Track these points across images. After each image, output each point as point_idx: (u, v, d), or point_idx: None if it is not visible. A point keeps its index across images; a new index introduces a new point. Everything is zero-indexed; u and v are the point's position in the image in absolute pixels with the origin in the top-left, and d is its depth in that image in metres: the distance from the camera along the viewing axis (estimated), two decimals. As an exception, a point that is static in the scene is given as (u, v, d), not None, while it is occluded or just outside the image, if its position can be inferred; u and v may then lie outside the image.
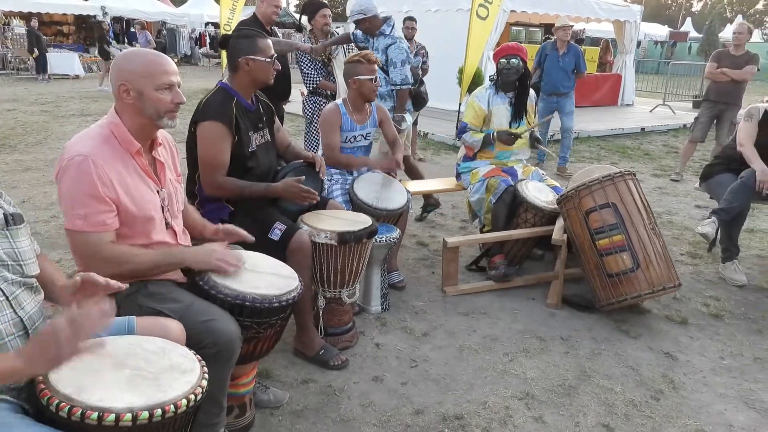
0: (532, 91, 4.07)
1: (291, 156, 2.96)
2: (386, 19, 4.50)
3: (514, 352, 2.88)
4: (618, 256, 3.11)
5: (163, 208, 2.00)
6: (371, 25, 4.45)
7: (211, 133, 2.51)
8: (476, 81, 8.13)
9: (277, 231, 2.53)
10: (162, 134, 2.11)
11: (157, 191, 1.98)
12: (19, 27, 18.03)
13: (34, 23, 16.47)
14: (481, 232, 4.06)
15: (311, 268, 2.62)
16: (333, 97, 4.81)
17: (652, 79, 16.81)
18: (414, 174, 4.63)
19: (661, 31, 31.36)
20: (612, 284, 3.13)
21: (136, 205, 1.87)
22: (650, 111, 12.21)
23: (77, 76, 17.26)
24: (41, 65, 15.94)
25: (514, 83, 3.89)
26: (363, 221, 2.72)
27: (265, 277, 2.01)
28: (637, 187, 3.26)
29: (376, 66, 3.41)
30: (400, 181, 3.86)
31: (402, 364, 2.74)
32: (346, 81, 3.45)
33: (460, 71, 8.27)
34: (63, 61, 17.40)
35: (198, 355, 1.52)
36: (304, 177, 2.63)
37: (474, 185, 3.89)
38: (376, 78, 3.39)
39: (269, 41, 2.65)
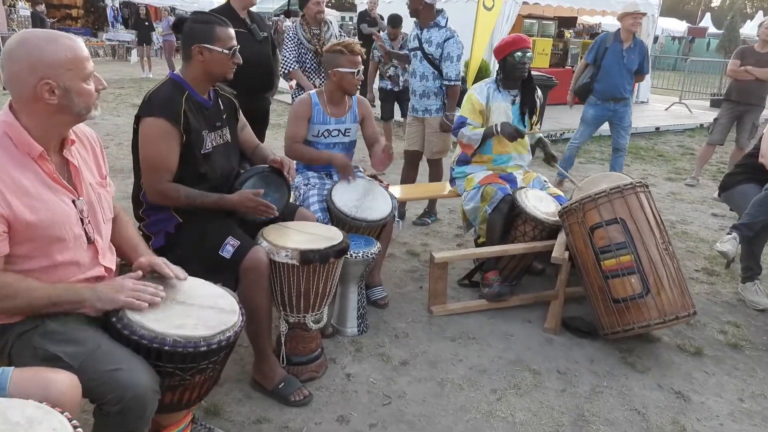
0: (539, 91, 3.69)
1: (258, 159, 2.62)
2: (440, 11, 4.24)
3: (502, 389, 2.53)
4: (625, 279, 2.75)
5: (82, 220, 1.66)
6: (426, 15, 4.18)
7: (153, 132, 2.17)
8: (482, 75, 7.75)
9: (228, 247, 2.19)
10: (79, 129, 1.78)
11: (73, 201, 1.65)
12: (24, 9, 17.78)
13: (41, 7, 16.22)
14: (476, 242, 3.71)
15: (270, 290, 2.28)
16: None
17: (668, 76, 16.26)
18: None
19: (679, 27, 30.60)
20: (618, 311, 2.77)
21: (40, 219, 1.54)
22: (666, 109, 11.73)
23: (82, 61, 16.95)
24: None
25: (523, 79, 3.53)
26: (332, 237, 2.38)
27: (196, 311, 1.67)
28: (649, 201, 2.89)
29: (359, 58, 3.06)
30: (387, 186, 3.51)
31: (373, 401, 2.40)
32: (325, 71, 3.10)
33: (466, 65, 7.87)
34: (68, 46, 17.12)
35: (78, 426, 1.19)
36: (263, 190, 2.29)
37: (469, 192, 3.53)
38: (359, 72, 3.03)
39: (230, 31, 2.30)
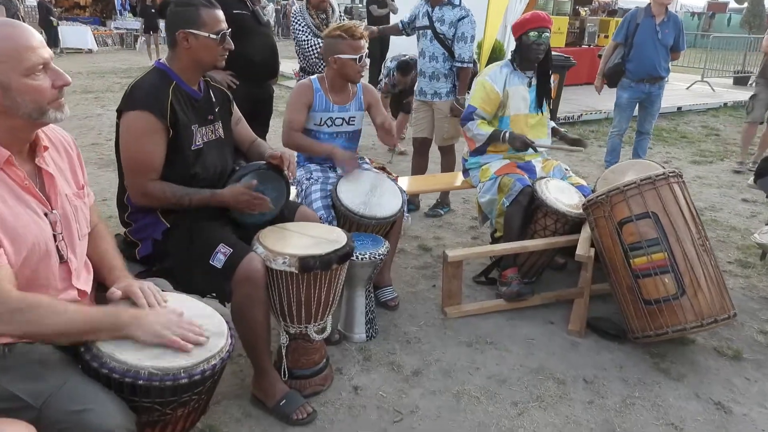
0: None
1: (255, 155, 2.41)
2: None
3: (524, 401, 2.32)
4: (658, 279, 2.51)
5: (55, 236, 1.47)
6: None
7: (137, 127, 1.96)
8: (496, 56, 7.44)
9: (219, 256, 1.99)
10: (53, 133, 1.58)
11: (45, 214, 1.46)
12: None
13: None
14: (492, 237, 3.48)
15: (267, 300, 2.08)
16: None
17: (689, 53, 15.63)
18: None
19: (698, 2, 29.73)
20: (649, 313, 2.54)
21: (10, 236, 1.34)
22: (687, 88, 11.31)
23: (90, 51, 16.93)
24: (51, 39, 15.55)
25: (539, 61, 3.27)
26: (335, 239, 2.16)
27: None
28: (683, 192, 2.64)
29: (363, 42, 2.82)
30: (396, 178, 3.29)
31: (383, 417, 2.20)
32: (324, 58, 2.87)
33: (479, 46, 7.55)
34: (76, 34, 17.04)
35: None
36: (256, 181, 2.09)
37: (484, 184, 3.29)
38: (361, 57, 2.80)
39: (218, 13, 2.08)
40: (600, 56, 5.52)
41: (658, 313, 2.51)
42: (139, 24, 17.17)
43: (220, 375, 1.56)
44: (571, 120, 8.06)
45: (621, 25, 5.11)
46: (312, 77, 2.98)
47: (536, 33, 3.16)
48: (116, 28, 19.28)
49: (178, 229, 2.07)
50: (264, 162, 2.27)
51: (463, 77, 4.01)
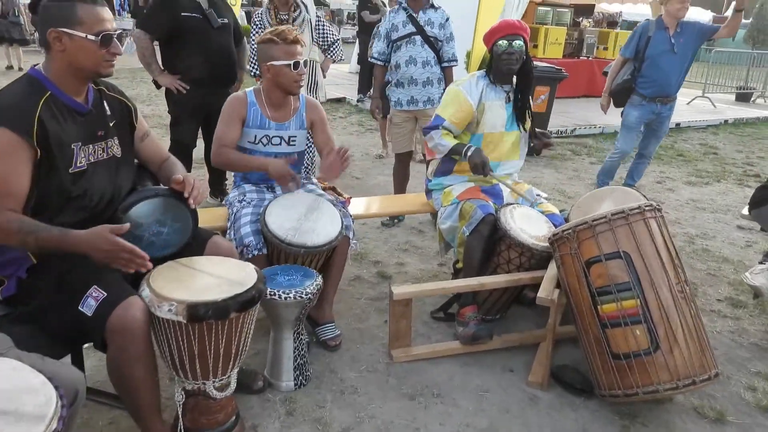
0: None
1: (166, 177, 2.08)
2: None
3: (465, 475, 1.98)
4: (629, 330, 2.16)
5: None
6: None
7: None
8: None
9: (90, 301, 1.65)
10: None
11: None
12: (24, -2, 17.42)
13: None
14: (455, 267, 3.14)
15: (151, 354, 1.74)
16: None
17: (691, 68, 15.37)
18: None
19: (703, 16, 29.41)
20: (618, 369, 2.19)
21: None
22: (687, 104, 10.96)
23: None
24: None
25: (514, 73, 2.93)
26: (240, 281, 1.82)
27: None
28: (661, 230, 2.29)
29: (299, 47, 2.50)
30: (348, 199, 2.95)
31: (293, 493, 1.86)
32: (259, 66, 2.56)
33: (468, 55, 7.24)
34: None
35: None
36: (129, 225, 1.70)
37: (446, 209, 2.95)
38: (298, 64, 2.47)
39: (101, 11, 1.74)
40: (606, 73, 5.09)
41: (628, 369, 2.16)
42: (131, 24, 16.93)
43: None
44: (563, 134, 7.73)
45: (630, 39, 4.62)
46: (248, 89, 2.66)
47: (506, 42, 2.82)
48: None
49: (46, 266, 1.73)
50: (166, 188, 1.94)
51: (450, 77, 3.93)
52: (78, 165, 1.78)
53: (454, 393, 2.39)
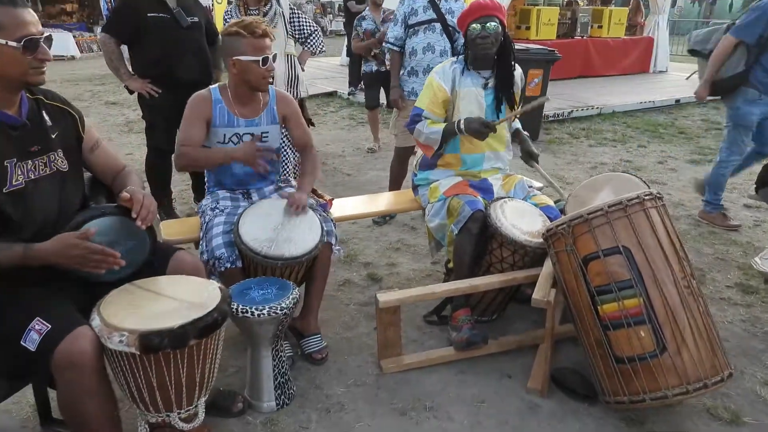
0: (519, 70, 2.90)
1: (117, 190, 1.91)
2: None
3: (460, 499, 1.82)
4: (632, 331, 1.99)
5: None
6: None
7: None
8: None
9: (33, 335, 1.50)
10: None
11: None
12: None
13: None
14: (446, 267, 2.98)
15: (104, 387, 1.58)
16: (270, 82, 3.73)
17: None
18: None
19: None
20: (622, 373, 2.03)
21: None
22: (686, 78, 10.68)
23: (73, 57, 16.64)
24: (31, 46, 15.16)
25: (492, 58, 2.74)
26: (201, 303, 1.66)
27: None
28: (664, 220, 2.12)
29: (268, 41, 2.32)
30: (330, 201, 2.79)
31: None
32: (224, 60, 2.39)
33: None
34: (57, 41, 16.61)
35: None
36: (95, 228, 1.60)
37: (433, 205, 2.78)
38: (267, 59, 2.30)
39: (25, 14, 1.56)
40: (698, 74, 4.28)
41: (633, 374, 1.99)
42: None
43: None
44: (560, 117, 7.52)
45: (752, 20, 3.63)
46: (212, 86, 2.49)
47: (479, 25, 2.63)
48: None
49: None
50: (115, 204, 1.78)
51: None
52: (13, 183, 1.62)
53: (448, 405, 2.23)
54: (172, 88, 3.64)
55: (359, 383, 2.36)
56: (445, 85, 2.74)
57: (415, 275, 3.31)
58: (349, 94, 8.88)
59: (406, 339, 2.64)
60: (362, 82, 6.37)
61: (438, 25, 3.67)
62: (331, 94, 9.38)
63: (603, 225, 2.07)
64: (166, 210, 4.04)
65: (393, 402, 2.25)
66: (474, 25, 2.63)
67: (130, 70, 3.71)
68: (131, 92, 3.77)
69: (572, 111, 7.70)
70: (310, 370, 2.43)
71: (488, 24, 2.61)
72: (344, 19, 10.31)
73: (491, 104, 2.79)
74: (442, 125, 2.72)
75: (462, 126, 2.63)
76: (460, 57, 2.82)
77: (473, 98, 2.76)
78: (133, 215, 1.70)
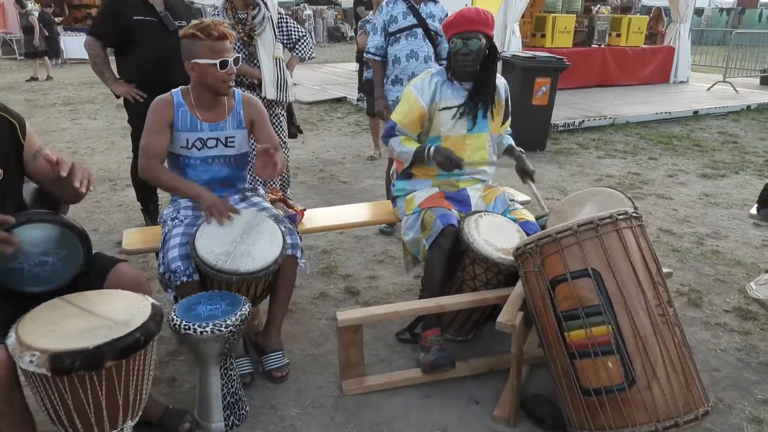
0: (502, 80, 2.76)
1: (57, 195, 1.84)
2: None
3: None
4: (599, 362, 1.85)
5: None
6: None
7: None
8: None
9: (-62, 351, 1.42)
10: None
11: None
12: (35, 11, 17.59)
13: (49, 8, 16.05)
14: (422, 283, 2.85)
15: (17, 407, 1.50)
16: (259, 86, 3.66)
17: (712, 51, 14.70)
18: None
19: (728, -3, 28.37)
20: (588, 406, 1.88)
21: None
22: (708, 89, 10.42)
23: (91, 60, 16.87)
24: (53, 49, 15.46)
25: (474, 72, 2.61)
26: (125, 321, 1.56)
27: None
28: (639, 241, 1.96)
29: (227, 43, 2.24)
30: (302, 212, 2.69)
31: None
32: (184, 63, 2.31)
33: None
34: (78, 44, 16.94)
35: None
36: (18, 237, 1.52)
37: (408, 218, 2.66)
38: (225, 63, 2.22)
39: None
40: None
41: (599, 407, 1.85)
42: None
43: None
44: (570, 127, 7.33)
45: None
46: (175, 90, 2.41)
47: (460, 41, 2.51)
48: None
49: None
50: (44, 211, 1.70)
51: None
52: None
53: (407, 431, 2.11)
54: (158, 92, 3.56)
55: (317, 404, 2.24)
56: (422, 100, 2.61)
57: (395, 289, 3.19)
58: (357, 100, 8.81)
59: (375, 358, 2.53)
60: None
61: (420, 31, 3.58)
62: (341, 100, 9.31)
63: (572, 245, 1.93)
64: (152, 216, 3.99)
65: (348, 426, 2.13)
66: (456, 40, 2.51)
67: (116, 74, 3.67)
68: (118, 97, 3.73)
69: (583, 121, 7.50)
70: (267, 389, 2.32)
71: (471, 41, 2.48)
72: (354, 26, 10.26)
73: (476, 116, 2.65)
74: (415, 145, 2.61)
75: (431, 153, 2.52)
76: (441, 68, 2.70)
77: (453, 111, 2.63)
78: (74, 183, 1.58)
